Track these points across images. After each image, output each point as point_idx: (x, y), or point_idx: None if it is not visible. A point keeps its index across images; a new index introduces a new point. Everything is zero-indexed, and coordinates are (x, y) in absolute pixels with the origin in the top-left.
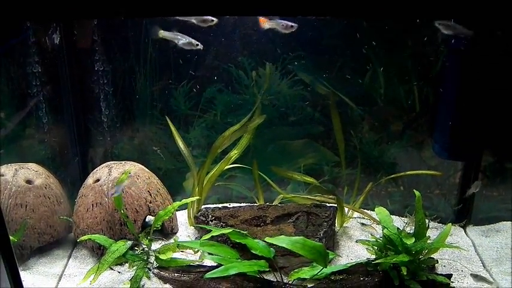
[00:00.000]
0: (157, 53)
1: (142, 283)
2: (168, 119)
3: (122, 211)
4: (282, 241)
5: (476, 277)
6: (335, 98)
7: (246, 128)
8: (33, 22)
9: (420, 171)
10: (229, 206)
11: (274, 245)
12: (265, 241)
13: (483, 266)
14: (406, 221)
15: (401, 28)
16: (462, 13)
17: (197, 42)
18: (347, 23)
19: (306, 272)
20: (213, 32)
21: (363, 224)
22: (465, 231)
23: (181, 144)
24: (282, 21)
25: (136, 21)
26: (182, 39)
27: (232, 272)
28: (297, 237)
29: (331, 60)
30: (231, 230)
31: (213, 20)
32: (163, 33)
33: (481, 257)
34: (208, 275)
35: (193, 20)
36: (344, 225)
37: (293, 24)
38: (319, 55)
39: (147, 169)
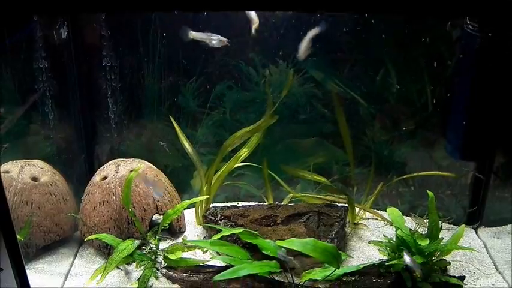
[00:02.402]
0: (166, 49)
1: (150, 283)
2: (171, 118)
3: (130, 209)
4: (292, 243)
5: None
6: (340, 97)
7: (258, 127)
8: (40, 16)
9: (433, 172)
10: (238, 205)
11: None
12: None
13: (495, 268)
14: (416, 222)
15: (415, 26)
16: (477, 11)
17: (227, 39)
18: (359, 20)
19: (317, 273)
20: (223, 28)
21: (355, 223)
22: (476, 233)
23: (186, 143)
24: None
25: (145, 16)
26: (213, 39)
27: (243, 273)
28: (308, 239)
29: (343, 57)
30: (241, 230)
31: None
32: (194, 35)
33: (493, 259)
34: (218, 277)
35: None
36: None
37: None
38: (331, 52)
39: (154, 167)
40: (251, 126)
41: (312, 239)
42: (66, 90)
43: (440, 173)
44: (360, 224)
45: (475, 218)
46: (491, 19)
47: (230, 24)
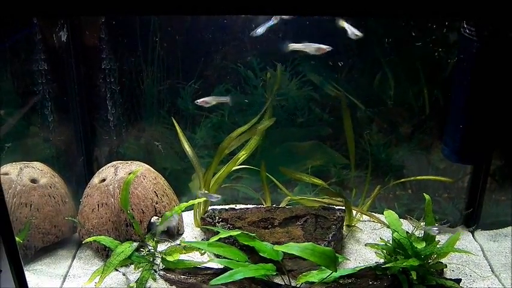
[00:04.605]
0: (165, 52)
1: (148, 285)
2: (174, 120)
3: (128, 212)
4: (291, 248)
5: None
6: (346, 99)
7: (255, 129)
8: (40, 19)
9: (430, 177)
10: (236, 207)
11: None
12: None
13: (492, 271)
14: (413, 225)
15: (412, 29)
16: (474, 14)
17: (327, 46)
18: (357, 23)
19: (314, 276)
20: (221, 31)
21: (348, 225)
22: (473, 236)
23: (186, 145)
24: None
25: (144, 19)
26: (311, 47)
27: (238, 277)
28: (306, 243)
29: (341, 61)
30: (239, 232)
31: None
32: (293, 46)
33: (490, 262)
34: (214, 281)
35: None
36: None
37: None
38: (329, 56)
39: (153, 169)
40: (245, 125)
41: (310, 243)
42: (65, 92)
43: (437, 177)
44: (354, 226)
45: (472, 221)
46: (489, 22)
47: (229, 27)
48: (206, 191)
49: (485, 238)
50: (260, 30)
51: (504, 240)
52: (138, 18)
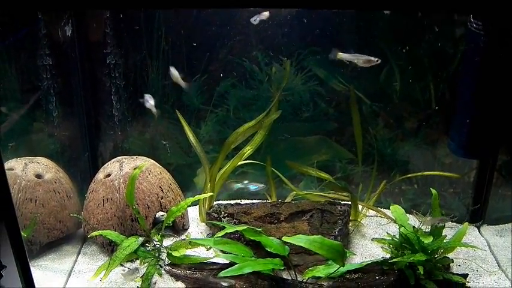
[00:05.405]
0: (170, 47)
1: (153, 280)
2: (178, 113)
3: (134, 207)
4: (300, 240)
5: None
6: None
7: (261, 124)
8: (44, 13)
9: (437, 172)
10: (241, 202)
11: (289, 242)
12: (280, 239)
13: (498, 265)
14: (420, 220)
15: (419, 23)
16: (482, 9)
17: (376, 58)
18: (363, 17)
19: (320, 270)
20: (227, 26)
21: (354, 220)
22: (479, 231)
23: (192, 139)
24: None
25: (149, 13)
26: (361, 59)
27: (247, 270)
28: (315, 236)
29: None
30: (245, 227)
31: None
32: (341, 55)
33: (496, 256)
34: (222, 273)
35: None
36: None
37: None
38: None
39: (158, 164)
40: (253, 121)
41: (319, 236)
42: (70, 87)
43: (444, 173)
44: (360, 221)
45: (478, 216)
46: (495, 16)
47: (234, 22)
48: (246, 181)
49: (491, 233)
50: (257, 19)
51: (510, 235)
52: (143, 13)
